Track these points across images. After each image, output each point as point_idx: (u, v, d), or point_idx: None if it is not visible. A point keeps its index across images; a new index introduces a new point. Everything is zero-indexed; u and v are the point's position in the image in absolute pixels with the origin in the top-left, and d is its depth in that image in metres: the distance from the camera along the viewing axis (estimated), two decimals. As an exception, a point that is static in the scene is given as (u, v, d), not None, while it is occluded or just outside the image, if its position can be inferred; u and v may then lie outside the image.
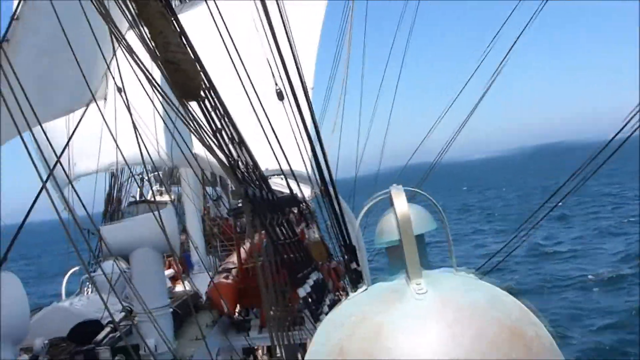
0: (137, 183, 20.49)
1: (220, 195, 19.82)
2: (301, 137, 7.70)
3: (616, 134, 4.46)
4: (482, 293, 1.48)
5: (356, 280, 8.77)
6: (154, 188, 23.74)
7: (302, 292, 5.77)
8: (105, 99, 9.61)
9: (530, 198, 69.56)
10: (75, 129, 9.88)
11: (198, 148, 8.96)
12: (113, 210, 18.55)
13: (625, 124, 4.37)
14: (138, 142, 5.70)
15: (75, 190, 5.42)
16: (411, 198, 1.55)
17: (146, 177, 21.70)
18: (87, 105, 9.58)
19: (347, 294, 7.69)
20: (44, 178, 6.35)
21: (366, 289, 1.61)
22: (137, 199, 21.77)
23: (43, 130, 5.18)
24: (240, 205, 16.35)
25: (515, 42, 8.61)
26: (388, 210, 1.56)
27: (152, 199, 20.42)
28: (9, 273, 5.97)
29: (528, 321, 1.44)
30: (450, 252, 1.60)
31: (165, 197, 19.32)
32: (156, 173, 18.50)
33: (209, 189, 20.21)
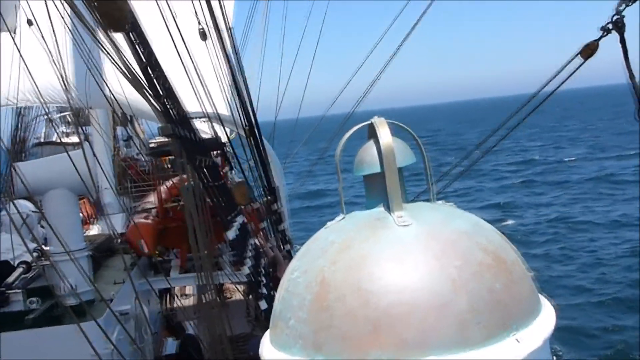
0: (52, 123, 19.57)
1: (130, 135, 19.23)
2: (224, 77, 7.57)
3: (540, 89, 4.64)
4: (464, 221, 1.51)
5: (277, 221, 8.85)
6: (60, 129, 22.79)
7: (231, 234, 5.75)
8: (15, 32, 9.02)
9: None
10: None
11: (115, 86, 8.64)
12: (19, 150, 17.72)
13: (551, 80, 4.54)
14: (59, 79, 5.40)
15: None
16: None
17: (53, 117, 20.81)
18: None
19: (266, 237, 7.73)
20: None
21: (344, 217, 1.59)
22: (43, 140, 20.89)
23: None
24: (156, 144, 15.99)
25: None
26: (369, 141, 1.55)
27: (59, 140, 19.64)
28: None
29: (508, 247, 1.50)
30: (429, 184, 1.62)
31: (73, 139, 18.59)
32: (63, 114, 17.75)
33: (118, 130, 19.64)
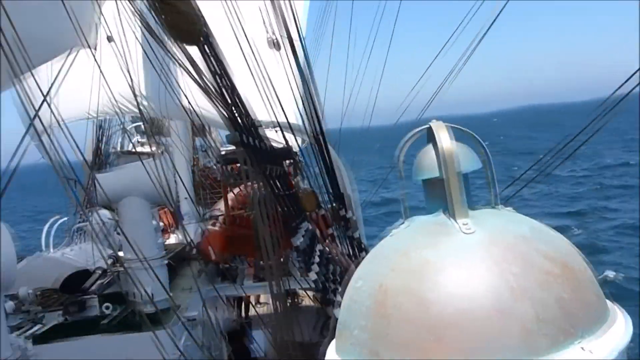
0: (127, 134, 20.25)
1: (209, 145, 19.67)
2: (297, 86, 7.63)
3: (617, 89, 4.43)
4: (529, 228, 1.46)
5: (346, 227, 8.83)
6: (135, 139, 23.50)
7: (296, 240, 5.78)
8: (96, 48, 9.39)
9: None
10: (57, 76, 9.69)
11: (189, 97, 8.87)
12: (100, 161, 18.39)
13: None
14: (133, 92, 5.58)
15: (69, 132, 5.30)
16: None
17: (129, 127, 21.45)
18: (76, 53, 9.37)
19: (335, 242, 7.68)
20: (27, 125, 6.25)
21: (406, 224, 1.57)
22: (121, 150, 21.58)
23: (34, 76, 5.06)
24: (226, 152, 16.27)
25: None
26: (427, 145, 1.52)
27: (138, 151, 20.25)
28: None
29: (573, 252, 1.44)
30: (493, 189, 1.58)
31: (150, 150, 19.20)
32: (140, 124, 18.30)
33: (197, 140, 20.08)
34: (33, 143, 6.17)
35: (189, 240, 8.29)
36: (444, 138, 1.48)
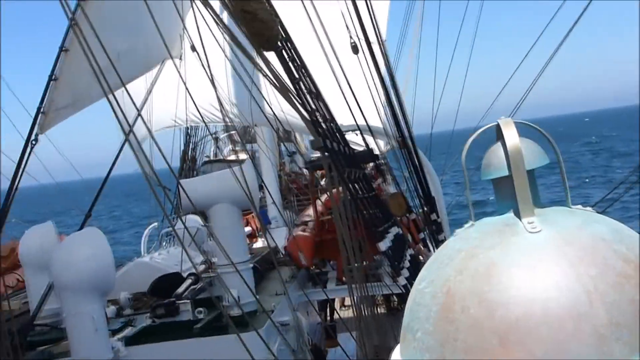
0: (215, 142, 20.84)
1: (295, 150, 19.93)
2: (376, 90, 7.58)
3: None
4: (604, 227, 1.36)
5: (436, 231, 8.70)
6: (228, 148, 24.10)
7: (382, 246, 5.72)
8: (181, 58, 9.72)
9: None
10: (151, 87, 10.09)
11: (273, 104, 9.00)
12: (188, 168, 18.95)
13: None
14: (219, 101, 5.71)
15: (157, 144, 5.50)
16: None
17: (221, 136, 22.04)
18: (162, 64, 9.73)
19: (427, 247, 7.58)
20: (124, 134, 6.51)
21: (473, 225, 1.50)
22: (212, 158, 22.18)
23: (127, 90, 5.27)
24: (315, 158, 16.41)
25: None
26: (495, 143, 1.46)
27: (227, 158, 20.77)
28: (94, 228, 6.18)
29: None
30: (565, 188, 1.49)
31: (241, 156, 19.63)
32: (230, 132, 18.74)
33: (284, 145, 20.38)
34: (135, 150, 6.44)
35: (273, 245, 8.39)
36: (511, 135, 1.40)
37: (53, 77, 7.68)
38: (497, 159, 1.44)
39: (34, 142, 7.16)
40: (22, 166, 6.88)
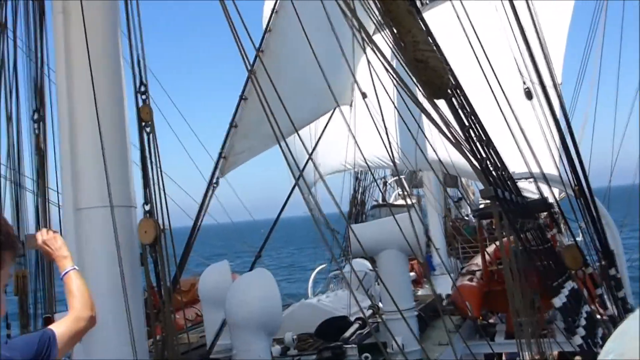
0: (379, 187, 21.07)
1: (461, 196, 19.60)
2: (552, 135, 7.27)
3: None
4: None
5: (615, 288, 8.04)
6: (396, 192, 24.24)
7: (557, 301, 5.39)
8: (351, 105, 9.99)
9: None
10: (322, 132, 10.43)
11: (440, 150, 8.92)
12: (357, 212, 19.26)
13: None
14: (386, 147, 5.78)
15: (326, 185, 5.65)
16: None
17: (389, 181, 22.23)
18: (333, 111, 10.06)
19: (604, 304, 7.04)
20: (295, 177, 6.75)
21: None
22: (380, 202, 22.40)
23: (299, 135, 5.51)
24: (484, 205, 16.02)
25: None
26: None
27: (395, 203, 20.87)
28: (263, 269, 6.46)
29: None
30: None
31: (407, 201, 19.63)
32: (397, 177, 18.87)
33: (450, 191, 20.12)
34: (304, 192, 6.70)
35: (437, 292, 8.24)
36: None
37: (234, 124, 8.20)
38: None
39: (215, 185, 7.65)
40: (205, 207, 7.37)
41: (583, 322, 6.20)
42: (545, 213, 9.03)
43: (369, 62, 5.51)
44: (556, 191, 10.53)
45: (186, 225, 7.57)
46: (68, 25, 4.74)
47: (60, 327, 2.49)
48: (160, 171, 4.92)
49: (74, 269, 2.75)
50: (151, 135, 4.90)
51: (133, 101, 4.96)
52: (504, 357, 11.99)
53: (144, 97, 4.96)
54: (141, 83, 4.98)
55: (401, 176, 16.12)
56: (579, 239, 8.85)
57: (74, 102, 4.71)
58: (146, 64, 5.06)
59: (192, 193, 8.67)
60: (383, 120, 6.15)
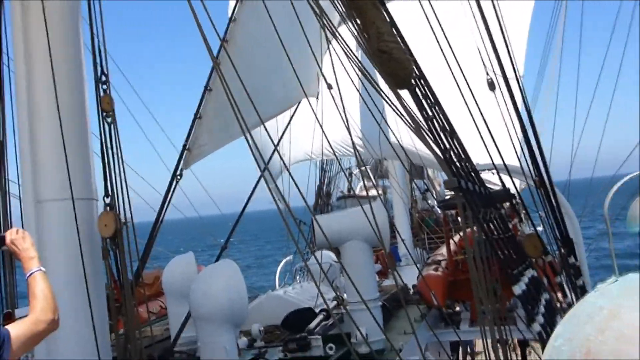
0: (346, 176, 21.14)
1: (427, 187, 19.78)
2: (513, 127, 7.36)
3: None
4: None
5: (574, 275, 8.20)
6: (361, 184, 24.37)
7: (517, 289, 5.48)
8: (317, 97, 9.99)
9: None
10: (288, 125, 10.42)
11: (405, 139, 8.97)
12: (323, 203, 19.31)
13: None
14: (351, 137, 5.79)
15: (292, 177, 5.64)
16: None
17: (354, 172, 22.31)
18: (299, 103, 10.05)
19: (563, 292, 7.20)
20: (260, 169, 6.73)
21: (616, 280, 1.39)
22: (346, 193, 22.49)
23: (266, 128, 5.48)
24: (449, 197, 16.20)
25: None
26: None
27: (361, 193, 20.98)
28: (229, 260, 6.43)
29: None
30: None
31: (372, 192, 19.75)
32: (363, 168, 18.97)
33: (416, 182, 20.28)
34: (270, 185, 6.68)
35: (402, 283, 8.31)
36: None
37: (198, 115, 8.12)
38: None
39: (179, 177, 7.58)
40: (169, 199, 7.29)
41: (542, 309, 6.31)
42: (507, 203, 9.18)
43: (333, 52, 5.52)
44: (517, 182, 10.70)
45: (152, 220, 7.50)
46: (27, 12, 4.64)
47: (17, 328, 2.44)
48: (122, 163, 4.85)
49: (40, 270, 2.70)
50: (112, 125, 4.83)
51: (94, 91, 4.89)
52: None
53: (104, 86, 4.89)
54: (102, 72, 4.90)
55: (367, 166, 16.20)
56: (540, 228, 9.02)
57: (33, 92, 4.63)
58: (107, 52, 4.99)
59: (158, 186, 8.59)
60: (344, 109, 6.17)
